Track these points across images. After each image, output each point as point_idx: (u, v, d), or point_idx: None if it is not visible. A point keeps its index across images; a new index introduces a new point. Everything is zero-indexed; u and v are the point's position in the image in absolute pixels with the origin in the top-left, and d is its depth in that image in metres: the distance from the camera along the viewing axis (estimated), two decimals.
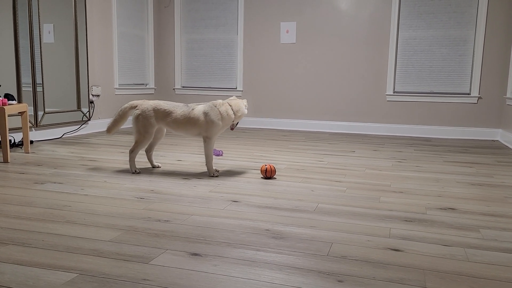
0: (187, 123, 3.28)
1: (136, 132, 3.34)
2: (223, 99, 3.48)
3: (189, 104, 3.35)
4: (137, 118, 3.32)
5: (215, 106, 3.29)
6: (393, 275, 1.68)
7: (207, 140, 3.30)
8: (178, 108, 3.31)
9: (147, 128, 3.31)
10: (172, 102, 3.38)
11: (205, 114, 3.26)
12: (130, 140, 5.13)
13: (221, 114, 3.28)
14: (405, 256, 1.86)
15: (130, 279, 1.60)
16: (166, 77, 7.17)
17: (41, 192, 2.78)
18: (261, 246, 1.95)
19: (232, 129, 3.47)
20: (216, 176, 3.31)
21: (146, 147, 3.52)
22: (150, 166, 3.63)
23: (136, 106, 3.36)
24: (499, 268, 1.77)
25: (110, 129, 3.48)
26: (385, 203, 2.68)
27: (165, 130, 3.56)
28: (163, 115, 3.31)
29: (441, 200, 2.77)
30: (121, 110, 3.42)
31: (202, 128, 3.28)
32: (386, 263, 1.79)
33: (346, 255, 1.87)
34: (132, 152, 3.38)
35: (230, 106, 3.33)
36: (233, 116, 3.32)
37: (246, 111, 3.40)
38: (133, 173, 3.37)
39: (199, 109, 3.29)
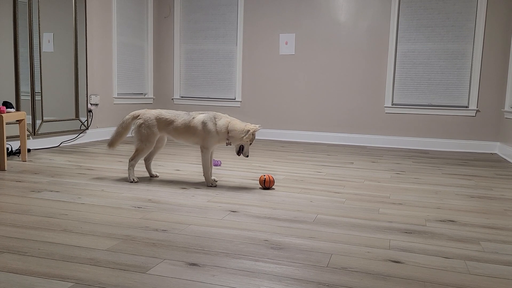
0: (186, 132, 3.28)
1: (138, 141, 3.33)
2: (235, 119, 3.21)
3: (190, 113, 3.35)
4: (139, 127, 3.32)
5: (214, 118, 3.24)
6: (394, 287, 1.66)
7: (204, 150, 3.29)
8: (179, 116, 3.32)
9: (149, 137, 3.31)
10: (174, 111, 3.38)
11: (203, 124, 3.24)
12: (129, 149, 5.11)
13: (216, 126, 3.22)
14: (405, 268, 1.85)
15: None
16: (165, 87, 7.17)
17: (37, 200, 2.75)
18: (260, 256, 1.93)
19: (238, 153, 3.25)
20: (214, 186, 3.29)
21: (145, 156, 3.51)
22: (148, 175, 3.61)
23: (138, 116, 3.35)
24: (501, 281, 1.75)
25: (113, 143, 3.42)
26: (385, 214, 2.67)
27: (166, 139, 3.55)
28: (165, 124, 3.31)
29: (441, 212, 2.75)
30: (123, 122, 3.40)
31: (199, 137, 3.27)
32: (386, 274, 1.77)
33: (346, 266, 1.85)
34: (132, 161, 3.36)
35: (229, 123, 3.21)
36: (226, 133, 3.19)
37: (243, 135, 3.16)
38: (131, 182, 3.35)
39: (198, 118, 3.28)
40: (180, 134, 3.30)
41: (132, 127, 3.43)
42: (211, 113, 3.28)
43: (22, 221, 2.32)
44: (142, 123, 3.31)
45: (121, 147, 5.25)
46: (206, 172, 3.32)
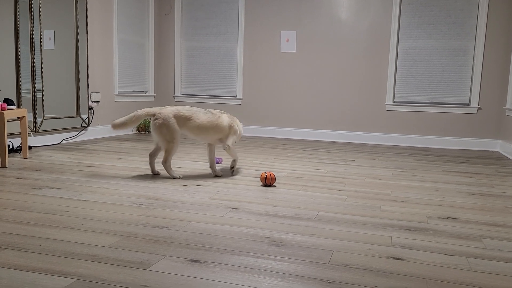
0: (212, 129, 3.41)
1: (163, 141, 3.34)
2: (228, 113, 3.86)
3: (211, 110, 3.47)
4: (160, 127, 3.31)
5: (233, 120, 3.58)
6: (395, 284, 1.66)
7: (227, 142, 3.53)
8: (200, 113, 3.40)
9: (173, 134, 3.33)
10: (188, 107, 3.43)
11: (231, 125, 3.50)
12: (130, 146, 5.11)
13: (239, 128, 3.61)
14: (407, 265, 1.84)
15: (128, 285, 1.58)
16: (165, 85, 7.17)
17: (39, 197, 2.75)
18: (262, 253, 1.93)
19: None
20: (220, 176, 3.51)
21: (154, 151, 3.52)
22: (150, 172, 3.61)
23: (154, 115, 3.35)
24: (503, 278, 1.75)
25: (118, 126, 3.39)
26: (386, 211, 2.67)
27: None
28: (184, 121, 3.35)
29: (442, 210, 2.75)
30: (135, 116, 3.37)
31: (223, 135, 3.48)
32: (388, 271, 1.77)
33: (347, 263, 1.84)
34: (166, 162, 3.39)
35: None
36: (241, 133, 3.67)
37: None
38: (176, 178, 3.41)
39: (224, 118, 3.47)
40: (202, 131, 3.39)
41: (136, 124, 3.48)
42: (230, 115, 3.59)
43: (24, 218, 2.32)
44: (161, 123, 3.30)
45: (123, 145, 5.25)
46: (235, 155, 3.59)
